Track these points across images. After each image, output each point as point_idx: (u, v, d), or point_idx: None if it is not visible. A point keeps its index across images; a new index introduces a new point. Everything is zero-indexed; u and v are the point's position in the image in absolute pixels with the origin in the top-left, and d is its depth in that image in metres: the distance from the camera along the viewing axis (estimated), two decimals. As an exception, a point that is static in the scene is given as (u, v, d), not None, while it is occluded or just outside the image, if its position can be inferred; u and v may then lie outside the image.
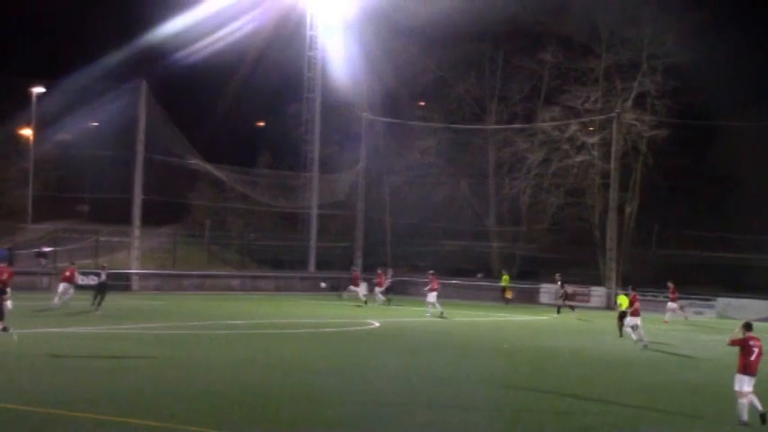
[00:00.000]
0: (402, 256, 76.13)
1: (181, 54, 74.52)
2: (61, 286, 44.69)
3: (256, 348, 30.89)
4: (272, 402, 20.35)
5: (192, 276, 65.36)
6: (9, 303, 42.11)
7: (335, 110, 75.83)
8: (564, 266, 61.77)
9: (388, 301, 55.69)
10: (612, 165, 66.49)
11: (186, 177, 72.89)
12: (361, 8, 72.00)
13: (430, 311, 48.10)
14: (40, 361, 25.64)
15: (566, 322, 48.46)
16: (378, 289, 56.99)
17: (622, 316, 37.56)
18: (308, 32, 73.47)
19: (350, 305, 53.88)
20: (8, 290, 43.09)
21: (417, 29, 72.18)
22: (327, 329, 39.35)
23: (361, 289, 56.87)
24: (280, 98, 78.70)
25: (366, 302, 54.48)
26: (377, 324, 42.16)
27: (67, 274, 45.58)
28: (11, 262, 63.32)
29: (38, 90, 73.64)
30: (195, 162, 69.89)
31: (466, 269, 71.75)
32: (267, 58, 75.19)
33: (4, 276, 43.38)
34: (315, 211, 73.50)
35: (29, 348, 28.23)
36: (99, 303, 42.75)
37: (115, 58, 73.91)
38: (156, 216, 67.44)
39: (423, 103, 79.95)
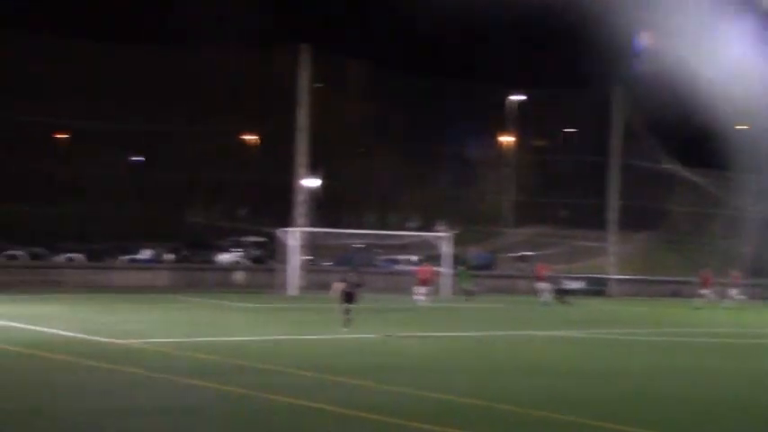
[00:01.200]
0: None
1: (657, 56, 73.42)
2: (541, 285, 46.31)
3: (735, 358, 29.63)
4: (747, 415, 19.32)
5: (668, 283, 64.19)
6: (423, 298, 44.06)
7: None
8: None
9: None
10: None
11: (663, 182, 71.83)
12: None
13: None
14: (518, 362, 26.13)
15: None
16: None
17: None
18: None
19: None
20: (425, 288, 45.23)
21: None
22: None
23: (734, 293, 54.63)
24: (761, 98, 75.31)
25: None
26: None
27: (543, 273, 46.87)
28: (493, 265, 65.78)
29: (517, 98, 75.78)
30: (671, 167, 68.80)
31: None
32: (742, 59, 72.20)
33: (427, 276, 45.41)
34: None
35: (512, 350, 28.96)
36: (564, 305, 43.34)
37: (587, 63, 74.26)
38: (632, 221, 67.04)
39: None
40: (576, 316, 41.63)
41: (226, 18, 73.74)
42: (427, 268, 47.76)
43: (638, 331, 37.34)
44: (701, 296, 53.06)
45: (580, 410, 18.36)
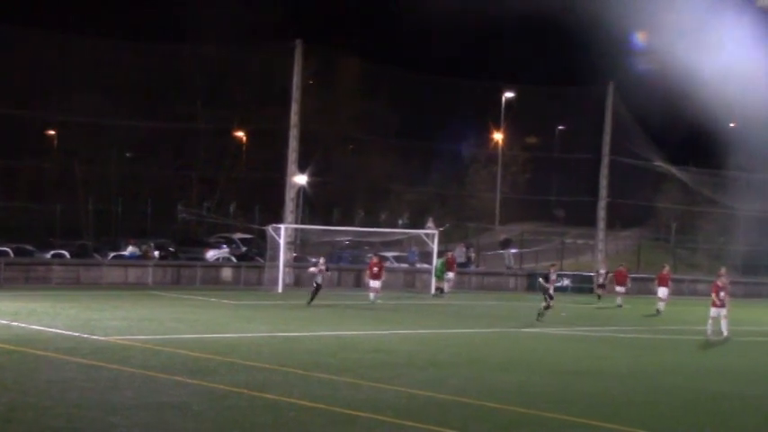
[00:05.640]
0: None
1: (654, 54, 73.45)
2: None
3: (732, 356, 29.61)
4: (742, 413, 19.29)
5: (653, 280, 64.16)
6: (373, 294, 43.81)
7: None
8: None
9: None
10: None
11: (652, 180, 71.93)
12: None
13: None
14: (503, 359, 26.08)
15: None
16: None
17: None
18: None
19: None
20: (376, 282, 44.69)
21: None
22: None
23: None
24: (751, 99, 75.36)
25: None
26: None
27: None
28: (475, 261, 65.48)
29: (510, 94, 75.74)
30: (661, 165, 68.82)
31: None
32: (736, 57, 72.16)
33: (376, 269, 44.81)
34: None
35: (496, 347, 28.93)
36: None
37: (581, 58, 74.33)
38: (621, 219, 67.13)
39: None
40: (569, 313, 41.54)
41: (217, 14, 73.53)
42: (376, 261, 46.49)
43: (625, 329, 37.38)
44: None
45: (565, 407, 18.33)
